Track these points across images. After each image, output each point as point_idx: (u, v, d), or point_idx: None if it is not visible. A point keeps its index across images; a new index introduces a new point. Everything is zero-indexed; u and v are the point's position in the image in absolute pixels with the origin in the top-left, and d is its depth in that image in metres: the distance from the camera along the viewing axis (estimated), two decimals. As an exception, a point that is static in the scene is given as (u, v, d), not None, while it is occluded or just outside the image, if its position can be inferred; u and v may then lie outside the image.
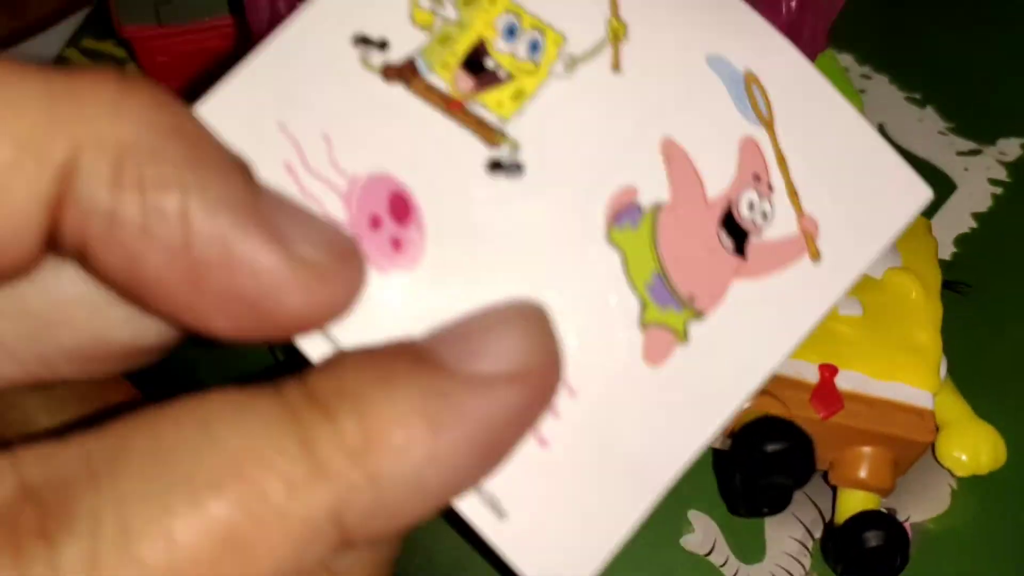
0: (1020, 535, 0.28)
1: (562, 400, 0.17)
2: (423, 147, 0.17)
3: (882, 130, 0.38)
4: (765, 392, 0.26)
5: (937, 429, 0.29)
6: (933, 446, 0.29)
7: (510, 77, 0.17)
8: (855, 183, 0.17)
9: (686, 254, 0.17)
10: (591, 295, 0.17)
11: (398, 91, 0.17)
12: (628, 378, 0.18)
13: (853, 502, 0.27)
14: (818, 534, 0.28)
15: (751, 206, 0.17)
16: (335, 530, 0.13)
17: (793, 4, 0.29)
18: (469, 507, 0.18)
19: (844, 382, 0.27)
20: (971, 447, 0.29)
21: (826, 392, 0.27)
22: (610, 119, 0.17)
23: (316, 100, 0.17)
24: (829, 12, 0.31)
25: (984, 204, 0.35)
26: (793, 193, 0.17)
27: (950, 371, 0.29)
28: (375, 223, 0.17)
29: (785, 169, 0.17)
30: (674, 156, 0.17)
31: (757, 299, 0.17)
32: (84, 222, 0.13)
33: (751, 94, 0.17)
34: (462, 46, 0.17)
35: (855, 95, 0.35)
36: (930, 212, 0.35)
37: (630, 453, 0.18)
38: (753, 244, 0.17)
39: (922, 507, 0.29)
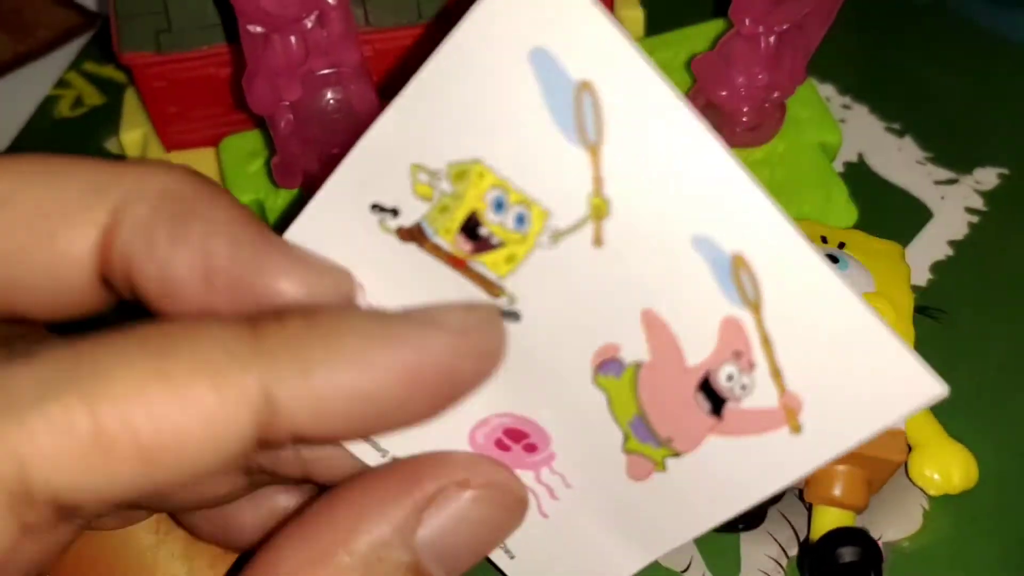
0: (991, 555, 0.29)
1: (561, 489, 0.21)
2: (440, 292, 0.19)
3: (861, 159, 0.39)
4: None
5: (910, 449, 0.30)
6: (906, 466, 0.30)
7: (502, 243, 0.19)
8: (847, 369, 0.17)
9: (665, 407, 0.19)
10: (582, 421, 0.20)
11: (413, 248, 0.19)
12: (616, 487, 0.20)
13: (828, 519, 0.28)
14: (792, 552, 0.29)
15: (730, 378, 0.18)
16: (266, 410, 0.15)
17: (772, 40, 0.30)
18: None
19: (820, 403, 0.28)
20: (943, 467, 0.29)
21: (802, 412, 0.27)
22: (593, 288, 0.18)
23: (347, 255, 0.19)
24: (808, 47, 0.32)
25: (960, 232, 0.36)
26: (776, 373, 0.17)
27: (924, 394, 0.30)
28: None
29: (769, 350, 0.17)
30: (654, 325, 0.18)
31: (732, 454, 0.18)
32: (126, 255, 0.16)
33: (737, 278, 0.17)
34: (459, 215, 0.19)
35: (834, 125, 0.36)
36: (906, 239, 0.36)
37: (621, 535, 0.21)
38: (730, 408, 0.18)
39: (895, 526, 0.29)
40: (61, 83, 0.44)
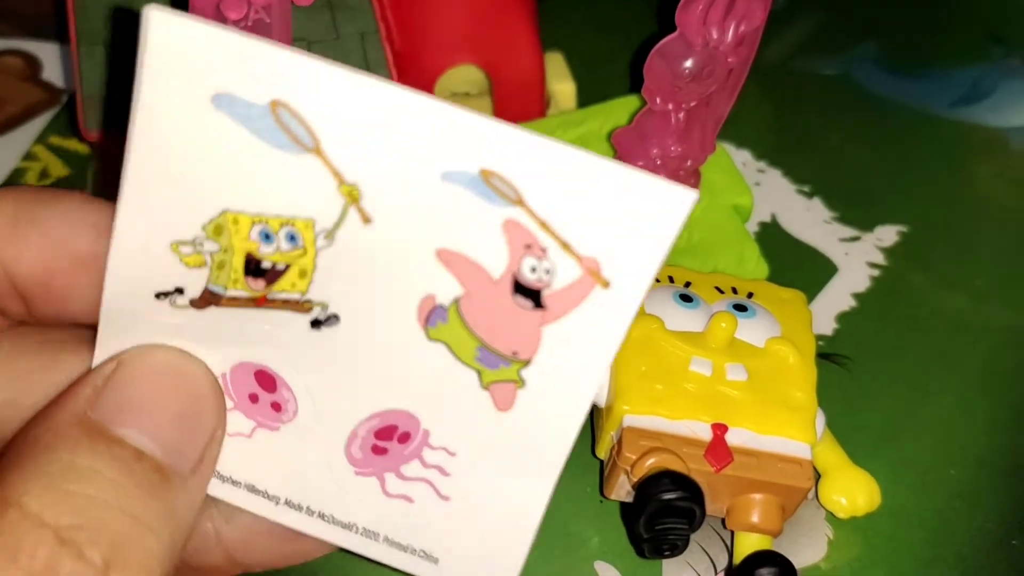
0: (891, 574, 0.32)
1: (448, 462, 0.21)
2: (258, 335, 0.20)
3: (774, 219, 0.42)
4: (665, 449, 0.30)
5: (819, 476, 0.33)
6: (816, 491, 0.33)
7: (288, 266, 0.20)
8: (615, 213, 0.18)
9: (496, 324, 0.20)
10: (436, 382, 0.21)
11: (213, 310, 0.20)
12: (490, 428, 0.21)
13: (748, 544, 0.31)
14: (714, 577, 0.32)
15: (533, 269, 0.19)
16: None
17: (681, 116, 0.34)
18: (410, 563, 0.23)
19: (734, 438, 0.30)
20: (849, 491, 0.32)
21: (718, 448, 0.30)
22: (385, 257, 0.20)
23: (147, 336, 0.20)
24: (717, 120, 0.35)
25: (863, 285, 0.40)
26: (566, 246, 0.19)
27: (832, 429, 0.33)
28: (254, 399, 0.21)
29: (550, 230, 0.19)
30: (451, 260, 0.20)
31: (569, 333, 0.20)
32: None
33: (492, 185, 0.19)
34: (237, 263, 0.20)
35: (746, 188, 0.39)
36: (814, 292, 0.39)
37: (516, 476, 0.21)
38: (547, 296, 0.19)
39: (807, 548, 0.32)
40: (28, 156, 0.46)
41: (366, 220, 0.19)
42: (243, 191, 0.19)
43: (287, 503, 0.22)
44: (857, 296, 0.39)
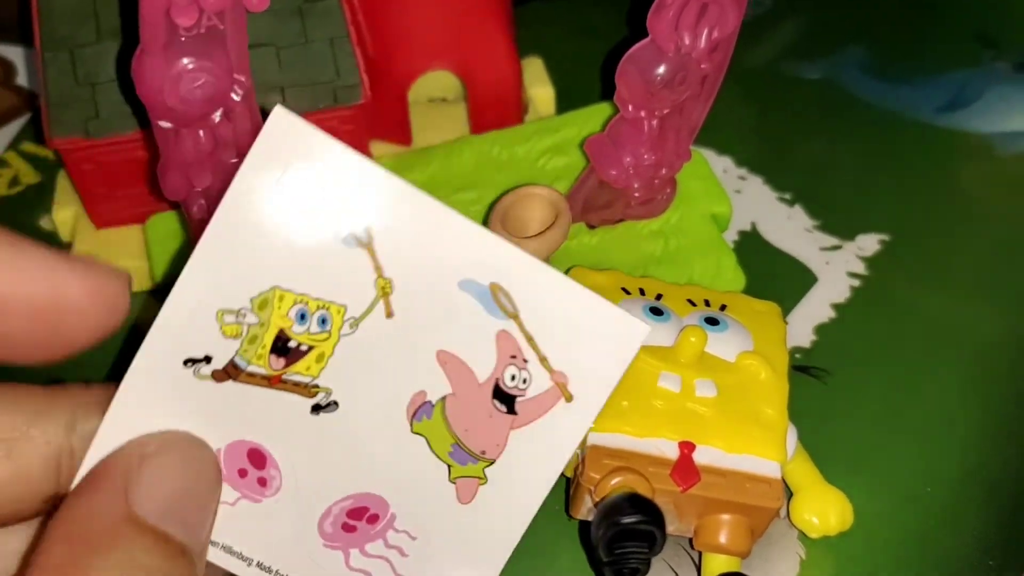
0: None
1: (408, 544, 0.24)
2: (260, 414, 0.22)
3: (754, 227, 0.42)
4: (629, 469, 0.29)
5: (791, 494, 0.32)
6: (787, 510, 0.32)
7: (311, 348, 0.22)
8: (586, 337, 0.22)
9: (472, 425, 0.23)
10: (410, 472, 0.23)
11: (229, 385, 0.22)
12: (450, 518, 0.23)
13: (716, 565, 0.30)
14: (683, 598, 0.31)
15: (513, 377, 0.22)
16: None
17: (655, 123, 0.33)
18: None
19: (701, 457, 0.30)
20: (821, 510, 0.32)
21: (685, 467, 0.29)
22: (394, 351, 0.22)
23: (166, 415, 0.22)
24: (692, 127, 0.35)
25: (843, 295, 0.39)
26: (543, 360, 0.22)
27: (806, 445, 0.33)
28: (242, 474, 0.23)
29: (534, 344, 0.22)
30: (447, 361, 0.22)
31: (532, 439, 0.23)
32: None
33: (497, 299, 0.22)
34: (268, 339, 0.21)
35: (724, 197, 0.39)
36: (792, 303, 0.38)
37: (465, 564, 0.24)
38: (520, 403, 0.22)
39: (776, 572, 0.32)
40: (0, 163, 0.46)
41: (389, 314, 0.22)
42: (296, 272, 0.21)
43: (259, 565, 0.24)
44: (836, 307, 0.39)
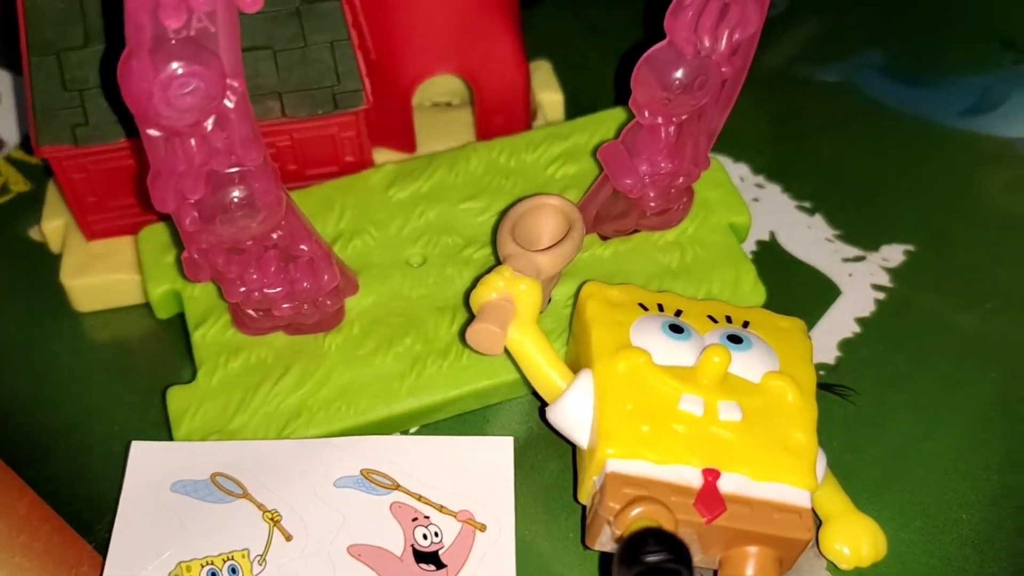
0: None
1: None
2: None
3: (773, 237, 0.40)
4: (650, 499, 0.27)
5: (819, 524, 0.30)
6: (817, 540, 0.30)
7: None
8: (466, 472, 0.26)
9: None
10: None
11: None
12: None
13: (741, 600, 0.28)
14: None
15: (425, 536, 0.26)
16: None
17: (672, 130, 0.31)
18: None
19: (727, 485, 0.28)
20: (853, 540, 0.30)
21: (709, 496, 0.28)
22: (309, 567, 0.26)
23: None
24: (710, 133, 0.33)
25: (867, 309, 0.37)
26: (441, 508, 0.26)
27: (833, 468, 0.31)
28: None
29: (426, 501, 0.26)
30: (361, 552, 0.26)
31: None
32: None
33: (372, 480, 0.27)
34: None
35: (743, 206, 0.37)
36: (815, 317, 0.37)
37: None
38: (443, 555, 0.26)
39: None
40: (-14, 170, 0.44)
41: (288, 538, 0.26)
42: (193, 543, 0.26)
43: None
44: (861, 321, 0.37)
